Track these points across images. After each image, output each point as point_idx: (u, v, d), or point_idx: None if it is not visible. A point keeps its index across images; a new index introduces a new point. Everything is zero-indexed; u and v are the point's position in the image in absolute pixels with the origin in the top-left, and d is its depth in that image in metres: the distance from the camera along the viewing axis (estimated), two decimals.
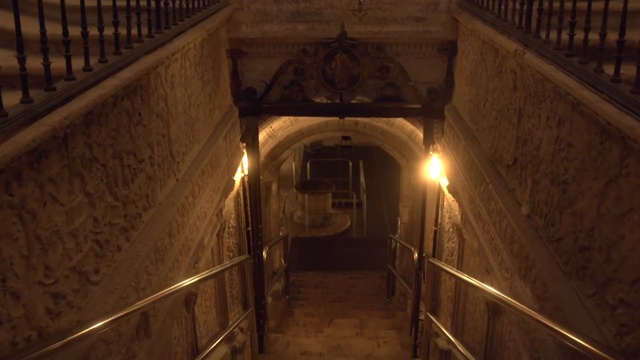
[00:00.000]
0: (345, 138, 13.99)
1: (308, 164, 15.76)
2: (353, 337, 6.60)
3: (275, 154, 7.99)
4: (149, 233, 3.25)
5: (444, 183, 5.89)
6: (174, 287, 3.41)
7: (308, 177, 15.68)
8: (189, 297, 4.08)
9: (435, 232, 6.17)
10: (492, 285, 3.97)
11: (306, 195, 13.52)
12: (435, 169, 5.87)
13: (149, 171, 3.34)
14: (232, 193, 5.60)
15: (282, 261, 9.76)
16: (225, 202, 5.29)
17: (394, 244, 8.94)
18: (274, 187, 8.49)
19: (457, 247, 5.29)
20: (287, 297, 9.09)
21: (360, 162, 15.41)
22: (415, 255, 6.48)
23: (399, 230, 10.56)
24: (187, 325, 4.16)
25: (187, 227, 3.93)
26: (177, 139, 3.92)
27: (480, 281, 4.37)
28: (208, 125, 4.83)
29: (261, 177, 7.46)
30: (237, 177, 5.93)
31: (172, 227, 3.59)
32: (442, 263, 4.95)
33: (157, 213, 3.43)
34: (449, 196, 5.57)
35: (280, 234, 9.46)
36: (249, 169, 5.61)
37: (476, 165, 4.51)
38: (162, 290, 3.31)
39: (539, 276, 3.05)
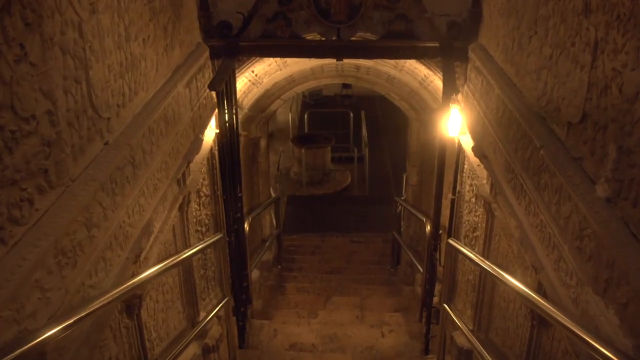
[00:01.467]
0: (345, 86, 12.78)
1: (306, 115, 14.59)
2: (352, 322, 5.63)
3: (262, 105, 6.85)
4: (45, 228, 2.18)
5: (466, 142, 4.79)
6: (93, 306, 2.37)
7: (306, 130, 14.53)
8: (132, 301, 3.06)
9: (453, 201, 5.11)
10: (540, 287, 2.94)
11: (303, 150, 12.43)
12: (454, 125, 4.75)
13: (46, 134, 2.24)
14: (201, 155, 4.52)
15: (275, 225, 8.75)
16: (191, 167, 4.21)
17: (399, 208, 7.89)
18: (263, 143, 7.39)
19: (483, 223, 4.23)
20: (279, 267, 8.13)
21: (362, 112, 14.23)
22: (428, 228, 5.43)
23: (405, 193, 9.50)
24: (131, 337, 3.15)
25: (122, 210, 2.87)
26: (106, 86, 2.81)
27: (518, 274, 3.33)
28: (162, 67, 3.70)
29: (244, 133, 6.35)
30: (210, 135, 4.83)
31: (92, 213, 2.52)
32: (469, 250, 3.91)
33: (64, 196, 2.36)
34: (473, 159, 4.48)
35: (273, 195, 8.41)
36: (224, 124, 4.50)
37: (517, 121, 3.40)
38: (73, 307, 2.28)
39: (635, 299, 1.99)
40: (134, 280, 2.85)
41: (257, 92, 6.08)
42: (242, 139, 6.13)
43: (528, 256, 3.07)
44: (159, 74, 3.64)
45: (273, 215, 8.11)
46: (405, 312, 6.06)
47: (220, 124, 4.41)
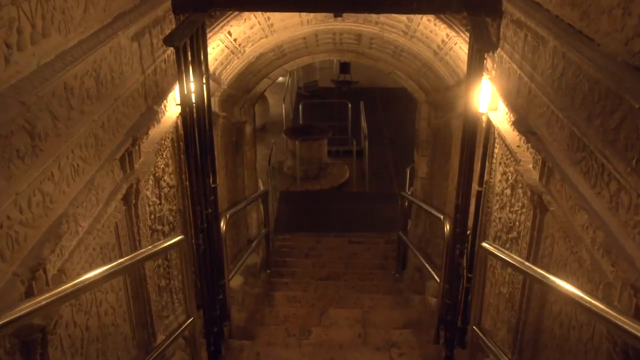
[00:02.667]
0: (343, 70, 11.65)
1: (300, 106, 13.58)
2: (353, 343, 4.64)
3: (246, 84, 5.86)
4: None
5: (499, 119, 3.81)
6: None
7: (301, 121, 13.53)
8: (29, 336, 2.06)
9: (479, 194, 4.11)
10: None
11: (297, 142, 11.43)
12: (485, 97, 3.76)
13: None
14: (159, 133, 3.52)
15: (263, 223, 7.76)
16: (143, 147, 3.22)
17: (406, 204, 6.89)
18: (249, 129, 6.39)
19: (527, 222, 3.24)
20: (268, 271, 7.13)
21: (362, 103, 13.24)
22: (447, 227, 4.44)
23: (413, 187, 8.53)
24: None
25: (3, 198, 1.88)
26: None
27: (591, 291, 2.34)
28: (97, 9, 2.69)
29: (224, 114, 5.35)
30: (173, 110, 3.83)
31: None
32: (514, 257, 2.91)
33: None
34: (510, 139, 3.50)
35: (262, 188, 7.40)
36: (188, 95, 3.49)
37: (590, 78, 2.42)
38: None
39: None
40: (22, 307, 1.86)
41: (238, 64, 5.08)
42: (221, 121, 5.15)
43: (620, 270, 2.08)
44: (91, 17, 2.63)
45: (260, 213, 7.12)
46: (416, 328, 5.07)
47: (183, 95, 3.40)
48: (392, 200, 11.29)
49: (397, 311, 5.65)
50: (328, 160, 12.43)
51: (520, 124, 3.22)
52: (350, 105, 12.90)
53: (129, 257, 2.80)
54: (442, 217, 4.64)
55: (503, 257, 2.96)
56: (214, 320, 4.07)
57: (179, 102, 3.43)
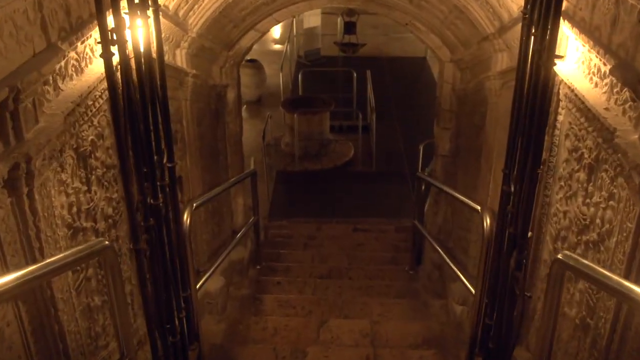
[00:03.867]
0: (348, 29, 10.33)
1: (300, 75, 12.45)
2: None
3: (227, 36, 4.78)
4: None
5: (569, 72, 2.74)
6: None
7: (300, 92, 12.43)
8: None
9: (535, 178, 3.05)
10: None
11: (295, 115, 10.34)
12: (552, 41, 2.68)
13: None
14: (81, 88, 2.46)
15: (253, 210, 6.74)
16: (48, 107, 2.16)
17: (422, 187, 5.84)
18: (232, 95, 5.30)
19: (628, 222, 2.19)
20: (258, 267, 6.12)
21: (368, 72, 12.11)
22: (487, 223, 3.38)
23: (428, 167, 7.46)
24: None
25: None
26: None
27: None
28: None
29: (194, 72, 4.27)
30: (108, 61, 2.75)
31: None
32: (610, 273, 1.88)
33: None
34: (593, 100, 2.44)
35: (252, 167, 6.33)
36: (120, 35, 2.41)
37: None
38: None
39: None
40: None
41: (211, 4, 3.99)
42: (190, 82, 4.09)
43: None
44: None
45: (244, 198, 6.08)
46: (440, 348, 4.06)
47: (106, 33, 2.32)
48: (402, 181, 10.26)
49: (415, 322, 4.63)
50: (330, 136, 11.36)
51: (622, 71, 2.15)
52: (355, 75, 11.78)
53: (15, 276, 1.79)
54: (479, 208, 3.57)
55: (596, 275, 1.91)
56: (170, 349, 3.04)
57: (101, 40, 2.35)
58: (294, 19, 15.35)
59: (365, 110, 11.69)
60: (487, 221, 3.36)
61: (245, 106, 13.71)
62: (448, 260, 4.72)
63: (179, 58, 3.96)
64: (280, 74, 12.40)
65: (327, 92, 11.72)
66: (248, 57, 14.70)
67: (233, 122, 5.42)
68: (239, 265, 5.75)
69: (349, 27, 10.06)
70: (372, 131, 11.09)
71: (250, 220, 5.80)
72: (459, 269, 4.50)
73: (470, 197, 4.16)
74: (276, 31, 18.77)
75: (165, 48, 3.68)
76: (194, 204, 3.46)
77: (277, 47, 16.72)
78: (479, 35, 4.14)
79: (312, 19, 15.07)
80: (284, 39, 14.89)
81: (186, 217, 3.34)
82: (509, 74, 3.82)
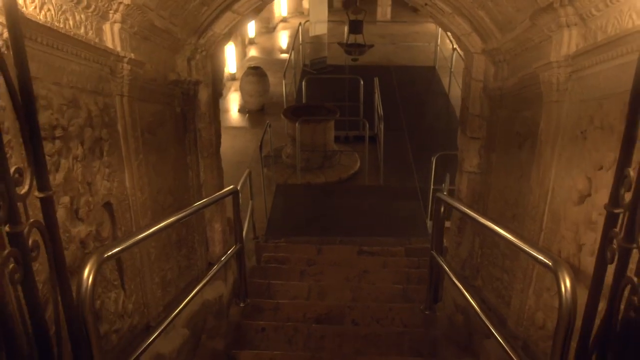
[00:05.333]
0: (354, 28, 8.85)
1: (303, 82, 11.13)
2: None
3: (194, 17, 3.47)
4: None
5: None
6: None
7: (304, 101, 11.11)
8: None
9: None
10: None
11: (297, 124, 9.00)
12: None
13: None
14: None
15: (235, 237, 5.40)
16: None
17: (442, 210, 4.46)
18: (204, 95, 3.96)
19: None
20: (242, 304, 4.76)
21: (376, 79, 10.76)
22: (566, 288, 2.01)
23: (444, 183, 6.10)
24: None
25: None
26: None
27: None
28: None
29: (133, 57, 2.92)
30: None
31: None
32: None
33: None
34: None
35: (232, 186, 4.94)
36: None
37: None
38: None
39: None
40: None
41: None
42: (126, 71, 2.74)
43: None
44: None
45: (224, 222, 4.72)
46: None
47: None
48: (412, 196, 8.89)
49: None
50: (335, 146, 10.02)
51: None
52: (362, 82, 10.44)
53: None
54: (549, 262, 2.17)
55: None
56: None
57: None
58: (300, 27, 14.08)
59: (372, 120, 10.36)
60: (566, 284, 1.98)
61: (247, 115, 12.43)
62: (480, 313, 3.33)
63: (109, 35, 2.64)
64: (283, 82, 11.10)
65: (332, 101, 10.39)
66: (252, 65, 13.53)
67: (207, 129, 4.07)
68: (216, 306, 4.40)
69: (355, 26, 8.69)
70: (379, 142, 9.74)
71: (231, 250, 4.45)
72: (494, 325, 3.11)
73: (517, 234, 2.78)
74: (283, 40, 17.55)
75: (79, 17, 2.35)
76: (104, 254, 2.12)
77: (284, 56, 15.50)
78: (530, 7, 2.78)
79: (318, 27, 13.77)
80: (291, 48, 13.60)
81: (87, 276, 1.98)
82: (583, 59, 2.46)
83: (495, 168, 3.87)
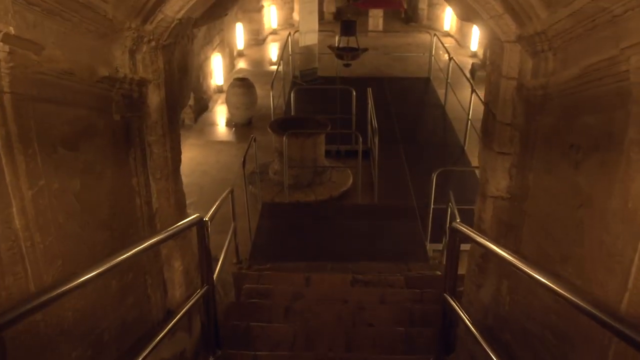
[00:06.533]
0: (346, 29, 7.72)
1: (292, 94, 10.14)
2: None
3: None
4: None
5: None
6: None
7: (292, 113, 10.12)
8: None
9: None
10: None
11: (285, 138, 8.00)
12: None
13: None
14: None
15: (202, 277, 4.38)
16: None
17: (457, 242, 3.47)
18: (155, 99, 2.95)
19: None
20: (212, 358, 3.71)
21: (369, 90, 9.79)
22: None
23: (454, 205, 5.11)
24: None
25: None
26: None
27: None
28: None
29: (30, 40, 1.90)
30: None
31: None
32: None
33: None
34: None
35: (192, 215, 3.90)
36: None
37: None
38: None
39: None
40: None
41: None
42: (2, 54, 1.71)
43: None
44: None
45: (188, 256, 3.67)
46: None
47: None
48: (409, 215, 7.88)
49: None
50: (326, 162, 9.02)
51: None
52: (354, 94, 9.47)
53: None
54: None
55: None
56: None
57: None
58: (289, 37, 13.12)
59: (365, 133, 9.39)
60: None
61: (233, 129, 11.43)
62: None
63: None
64: (271, 93, 10.08)
65: (323, 113, 9.40)
66: (240, 76, 12.53)
67: (160, 143, 3.05)
68: None
69: (348, 27, 7.68)
70: (374, 157, 8.74)
71: (196, 294, 3.42)
72: None
73: (576, 290, 1.78)
74: (273, 52, 16.60)
75: None
76: None
77: (274, 68, 14.56)
78: None
79: (309, 37, 12.82)
80: (280, 58, 12.64)
81: None
82: None
83: (533, 193, 2.87)
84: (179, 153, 3.30)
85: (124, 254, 2.34)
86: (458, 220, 3.92)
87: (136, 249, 2.45)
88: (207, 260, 3.50)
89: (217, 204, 5.05)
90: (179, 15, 2.83)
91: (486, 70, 3.19)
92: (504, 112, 2.96)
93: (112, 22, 2.50)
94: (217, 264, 4.47)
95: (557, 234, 2.60)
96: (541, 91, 2.67)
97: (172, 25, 2.85)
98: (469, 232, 3.30)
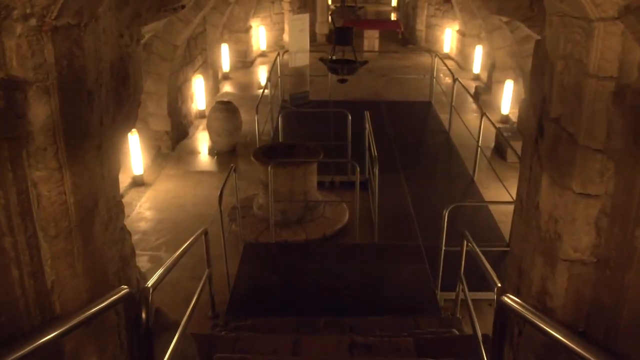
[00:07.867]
0: (341, 38, 6.55)
1: (280, 118, 9.11)
2: None
3: None
4: None
5: None
6: None
7: (280, 139, 9.08)
8: None
9: None
10: None
11: (270, 168, 6.92)
12: None
13: None
14: None
15: None
16: None
17: (507, 329, 2.38)
18: (41, 110, 1.89)
19: None
20: None
21: (367, 113, 8.76)
22: None
23: (476, 247, 3.99)
24: None
25: None
26: None
27: None
28: None
29: None
30: None
31: None
32: None
33: None
34: None
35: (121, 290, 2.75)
36: None
37: None
38: None
39: None
40: None
41: None
42: None
43: None
44: None
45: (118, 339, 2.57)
46: None
47: None
48: (415, 257, 6.80)
49: None
50: (318, 195, 7.94)
51: None
52: (350, 118, 8.45)
53: None
54: None
55: None
56: None
57: None
58: (278, 58, 12.17)
59: (363, 162, 8.35)
60: None
61: (215, 157, 10.38)
62: None
63: None
64: (256, 117, 9.04)
65: (315, 140, 8.37)
66: (223, 99, 11.54)
67: (51, 181, 1.97)
68: None
69: (343, 36, 6.62)
70: (373, 189, 7.68)
71: None
72: None
73: None
74: (262, 75, 15.68)
75: None
76: None
77: (259, 91, 13.65)
78: None
79: (299, 57, 11.87)
80: (267, 80, 11.69)
81: None
82: None
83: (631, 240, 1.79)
84: (94, 194, 2.20)
85: None
86: (499, 286, 2.82)
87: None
88: (146, 349, 2.38)
89: (183, 247, 3.98)
90: None
91: (559, 69, 2.11)
92: (591, 132, 1.90)
93: None
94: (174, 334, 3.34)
95: None
96: None
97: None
98: (526, 312, 2.21)
